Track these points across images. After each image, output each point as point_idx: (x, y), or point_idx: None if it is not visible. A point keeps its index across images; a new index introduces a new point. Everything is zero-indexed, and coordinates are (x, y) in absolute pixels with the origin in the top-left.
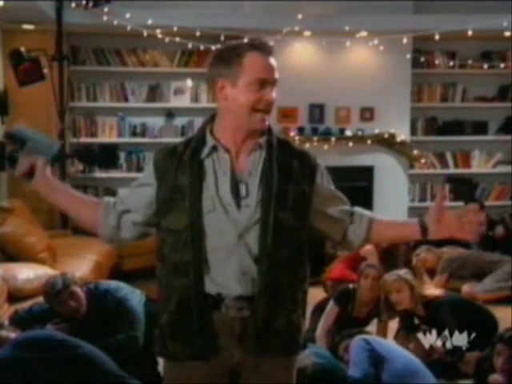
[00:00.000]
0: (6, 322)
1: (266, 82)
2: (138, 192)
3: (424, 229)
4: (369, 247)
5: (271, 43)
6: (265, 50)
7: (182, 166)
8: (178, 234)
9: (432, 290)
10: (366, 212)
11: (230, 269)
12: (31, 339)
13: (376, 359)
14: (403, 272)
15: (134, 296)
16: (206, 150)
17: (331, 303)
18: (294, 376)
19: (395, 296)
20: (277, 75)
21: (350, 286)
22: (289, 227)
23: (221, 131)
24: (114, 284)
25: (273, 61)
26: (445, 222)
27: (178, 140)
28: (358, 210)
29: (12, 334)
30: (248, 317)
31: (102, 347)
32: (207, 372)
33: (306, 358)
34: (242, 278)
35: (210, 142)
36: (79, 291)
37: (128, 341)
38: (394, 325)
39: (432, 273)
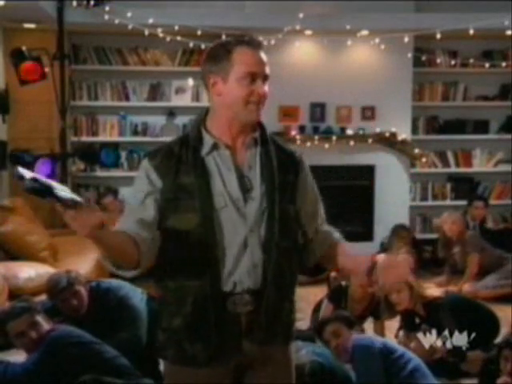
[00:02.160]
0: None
1: (255, 75)
2: (152, 201)
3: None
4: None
5: (272, 42)
6: (253, 44)
7: (184, 166)
8: (188, 234)
9: (432, 290)
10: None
11: (243, 263)
12: (64, 341)
13: (385, 354)
14: None
15: (136, 294)
16: (205, 148)
17: (325, 302)
18: (293, 364)
19: (395, 297)
20: (267, 70)
21: (343, 283)
22: (290, 217)
23: (216, 127)
24: (115, 283)
25: (262, 55)
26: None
27: None
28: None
29: (46, 326)
30: (253, 311)
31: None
32: (214, 371)
33: (305, 356)
34: (252, 270)
35: (208, 139)
36: (82, 290)
37: (130, 340)
38: (393, 323)
39: (450, 243)
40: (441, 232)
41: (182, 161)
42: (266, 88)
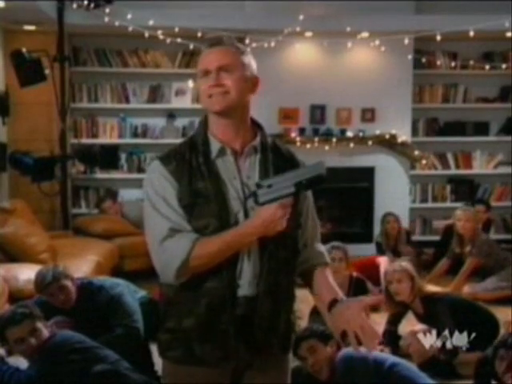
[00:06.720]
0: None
1: (206, 71)
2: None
3: (330, 305)
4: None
5: (272, 44)
6: (211, 43)
7: (196, 171)
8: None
9: (431, 287)
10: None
11: (248, 269)
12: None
13: (375, 365)
14: (404, 263)
15: (133, 294)
16: (213, 152)
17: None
18: (289, 372)
19: (395, 286)
20: (222, 62)
21: None
22: (287, 228)
23: (216, 129)
24: (110, 281)
25: (217, 50)
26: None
27: (178, 141)
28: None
29: (46, 332)
30: (250, 316)
31: (103, 343)
32: (216, 371)
33: None
34: (251, 278)
35: (215, 143)
36: (69, 284)
37: (128, 333)
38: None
39: (461, 240)
40: (454, 229)
41: (193, 165)
42: (229, 79)
